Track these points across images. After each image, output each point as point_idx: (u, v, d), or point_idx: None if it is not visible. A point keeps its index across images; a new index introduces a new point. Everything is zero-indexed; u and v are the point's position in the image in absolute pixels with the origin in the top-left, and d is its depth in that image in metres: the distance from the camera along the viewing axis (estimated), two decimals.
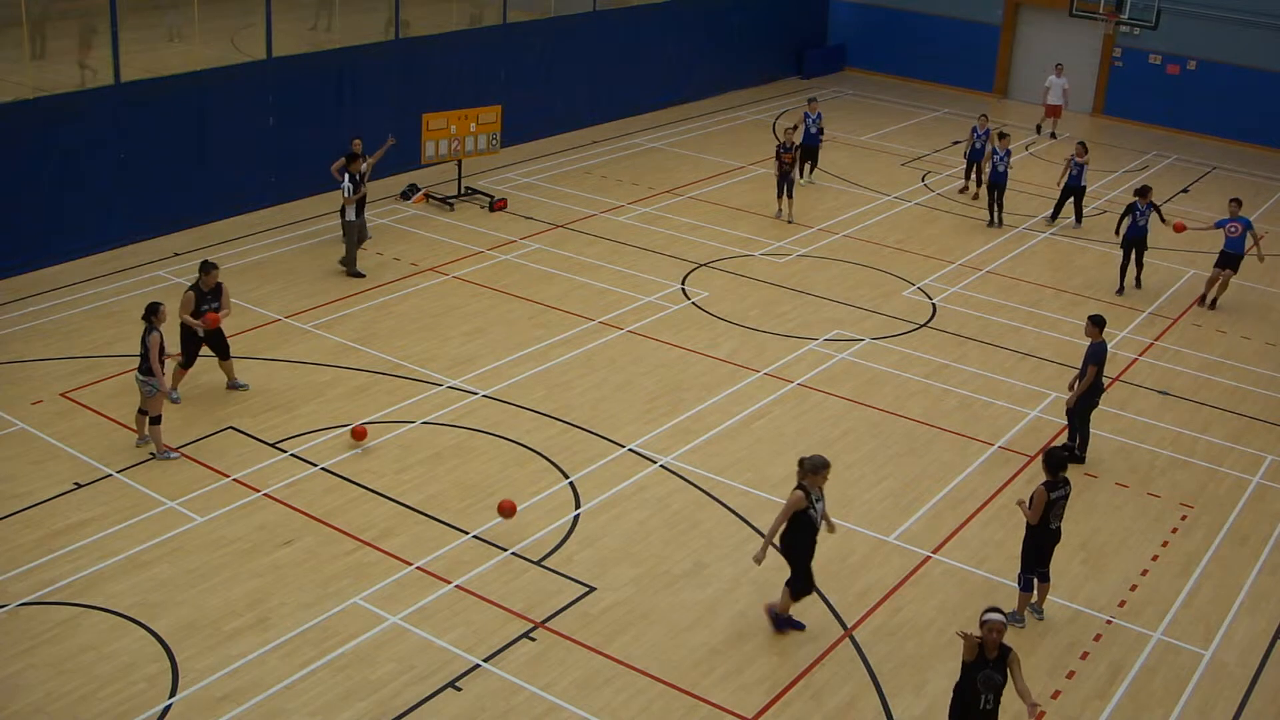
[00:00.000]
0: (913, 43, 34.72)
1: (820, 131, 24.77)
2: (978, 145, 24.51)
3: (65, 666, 10.87)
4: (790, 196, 22.86)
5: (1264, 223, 24.96)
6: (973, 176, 24.95)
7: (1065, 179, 23.03)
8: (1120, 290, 20.64)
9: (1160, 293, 20.84)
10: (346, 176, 18.67)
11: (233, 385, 15.60)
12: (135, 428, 14.29)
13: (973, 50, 33.93)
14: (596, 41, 28.22)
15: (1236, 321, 19.99)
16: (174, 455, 14.01)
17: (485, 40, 25.80)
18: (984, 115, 25.02)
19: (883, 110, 31.64)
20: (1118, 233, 20.74)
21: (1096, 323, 14.92)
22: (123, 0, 19.68)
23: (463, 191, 23.10)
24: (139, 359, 13.85)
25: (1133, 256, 20.57)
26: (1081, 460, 15.15)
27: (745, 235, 22.19)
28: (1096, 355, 14.68)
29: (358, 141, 19.39)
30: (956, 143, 26.62)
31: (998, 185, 23.15)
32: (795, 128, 23.98)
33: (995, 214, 23.43)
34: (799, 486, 11.41)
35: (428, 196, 22.86)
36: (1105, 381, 15.23)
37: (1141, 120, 31.38)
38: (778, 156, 22.85)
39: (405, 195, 22.91)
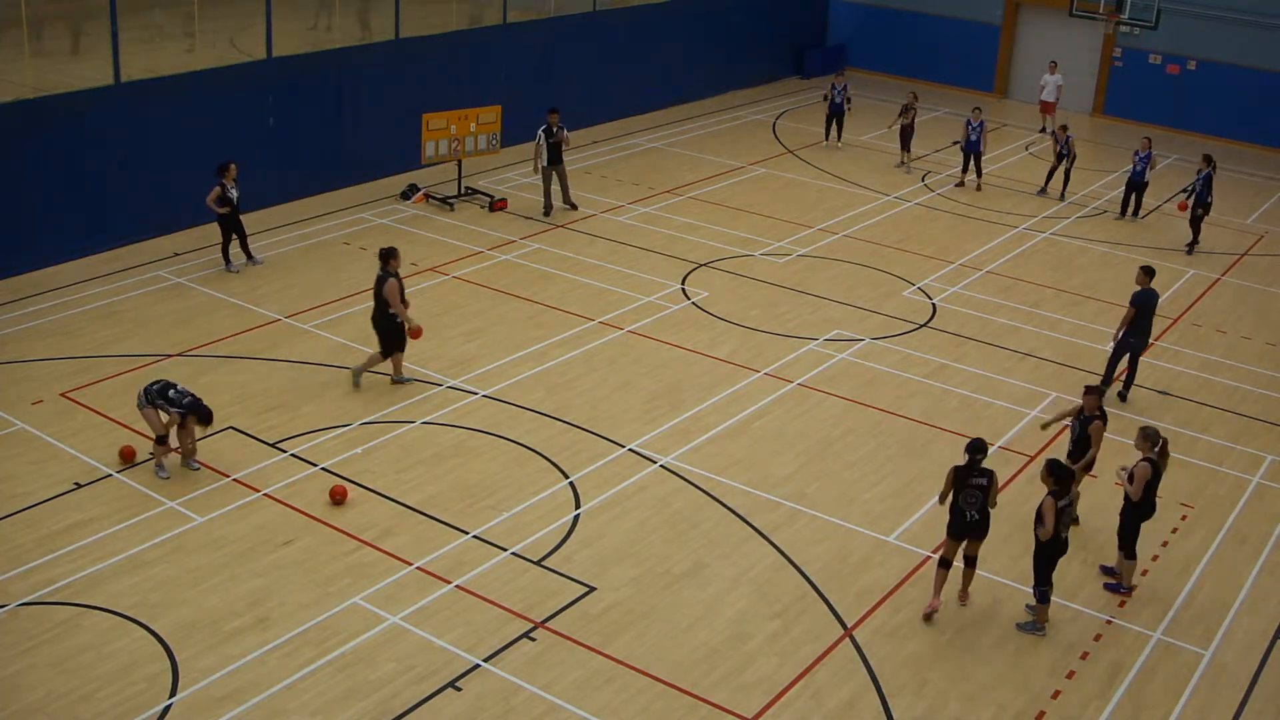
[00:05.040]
0: (913, 43, 34.72)
1: (848, 100, 27.54)
2: (973, 138, 25.10)
3: (65, 666, 10.88)
4: (908, 149, 26.50)
5: (1264, 223, 24.99)
6: (969, 170, 25.66)
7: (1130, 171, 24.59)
8: (1194, 245, 23.10)
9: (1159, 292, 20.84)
10: (543, 134, 21.86)
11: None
12: (180, 450, 13.92)
13: (973, 50, 33.93)
14: (596, 41, 28.21)
15: (1236, 321, 20.00)
16: (165, 475, 13.68)
17: (485, 40, 25.80)
18: (977, 109, 25.37)
19: (883, 110, 31.57)
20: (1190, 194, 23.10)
21: (1146, 271, 16.58)
22: (123, 1, 19.69)
23: (463, 191, 23.10)
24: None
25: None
26: (1123, 398, 16.79)
27: (745, 235, 22.19)
28: (1135, 298, 16.35)
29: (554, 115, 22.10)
30: (956, 143, 26.68)
31: (1066, 157, 25.17)
32: (913, 93, 27.23)
33: (1059, 184, 25.58)
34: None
35: (428, 196, 22.86)
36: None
37: (1141, 120, 31.34)
38: (903, 113, 26.23)
39: (405, 195, 22.92)
